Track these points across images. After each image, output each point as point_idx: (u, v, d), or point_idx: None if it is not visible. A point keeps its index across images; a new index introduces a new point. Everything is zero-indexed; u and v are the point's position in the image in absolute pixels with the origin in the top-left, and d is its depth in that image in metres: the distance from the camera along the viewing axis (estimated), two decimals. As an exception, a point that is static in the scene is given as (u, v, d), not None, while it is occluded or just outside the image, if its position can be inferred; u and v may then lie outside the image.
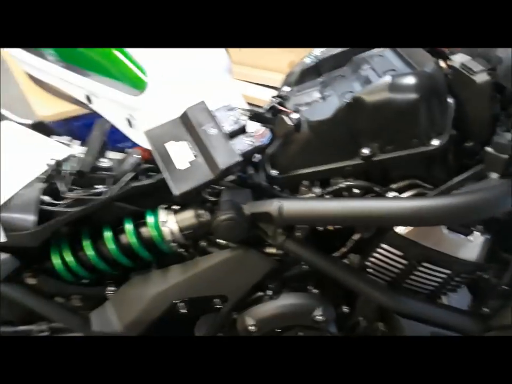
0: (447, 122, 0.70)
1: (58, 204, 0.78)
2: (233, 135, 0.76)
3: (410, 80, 0.69)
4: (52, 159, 0.82)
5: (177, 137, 0.77)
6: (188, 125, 0.77)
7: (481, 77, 0.67)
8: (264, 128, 0.77)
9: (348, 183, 0.76)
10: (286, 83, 0.87)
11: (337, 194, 0.77)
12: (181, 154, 0.75)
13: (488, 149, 0.67)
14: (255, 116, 0.79)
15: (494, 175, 0.67)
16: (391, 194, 0.74)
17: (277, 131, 0.77)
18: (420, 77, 0.69)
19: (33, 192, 0.76)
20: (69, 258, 0.82)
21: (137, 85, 0.83)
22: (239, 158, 0.72)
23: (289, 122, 0.75)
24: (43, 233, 0.76)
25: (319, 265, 0.80)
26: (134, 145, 1.13)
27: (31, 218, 0.75)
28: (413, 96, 0.68)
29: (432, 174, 0.75)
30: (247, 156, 0.74)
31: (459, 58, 0.73)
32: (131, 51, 0.82)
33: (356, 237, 0.81)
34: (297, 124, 0.75)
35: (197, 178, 0.73)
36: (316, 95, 0.81)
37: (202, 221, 0.80)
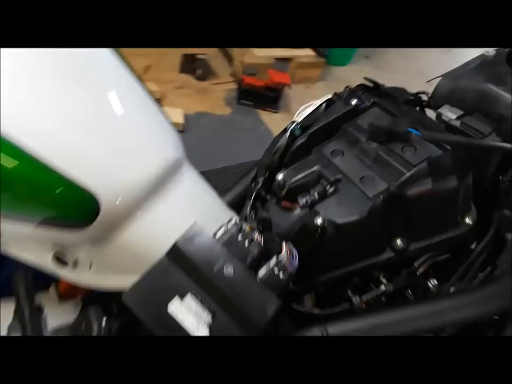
0: (470, 197, 0.65)
1: None
2: (256, 266, 0.54)
3: (448, 163, 0.60)
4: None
5: (175, 289, 0.51)
6: (186, 267, 0.51)
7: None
8: (284, 243, 0.57)
9: (384, 289, 0.64)
10: (268, 165, 0.67)
11: (376, 301, 0.64)
12: (191, 316, 0.50)
13: (506, 211, 0.65)
14: (264, 226, 0.59)
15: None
16: (431, 284, 0.65)
17: (300, 242, 0.59)
18: (454, 158, 0.60)
19: None
20: None
21: (82, 215, 0.52)
22: (278, 303, 0.51)
23: (314, 228, 0.58)
24: None
25: None
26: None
27: None
28: (454, 181, 0.60)
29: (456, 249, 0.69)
30: (284, 291, 0.54)
31: (451, 115, 0.69)
32: (74, 177, 0.49)
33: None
34: (323, 230, 0.59)
35: (229, 346, 0.50)
36: (316, 179, 0.65)
37: None
